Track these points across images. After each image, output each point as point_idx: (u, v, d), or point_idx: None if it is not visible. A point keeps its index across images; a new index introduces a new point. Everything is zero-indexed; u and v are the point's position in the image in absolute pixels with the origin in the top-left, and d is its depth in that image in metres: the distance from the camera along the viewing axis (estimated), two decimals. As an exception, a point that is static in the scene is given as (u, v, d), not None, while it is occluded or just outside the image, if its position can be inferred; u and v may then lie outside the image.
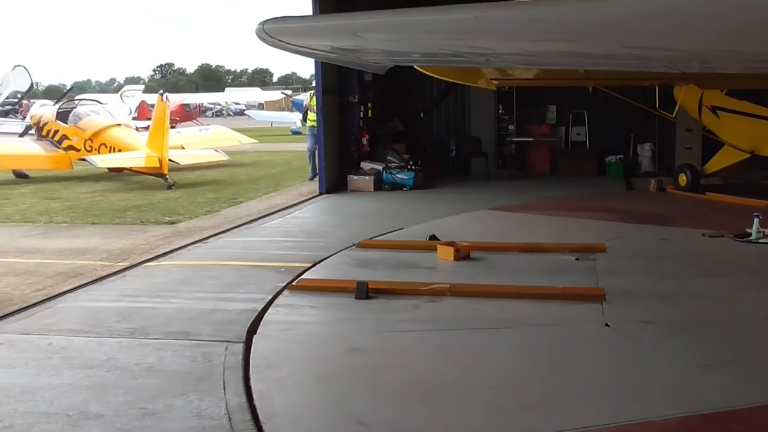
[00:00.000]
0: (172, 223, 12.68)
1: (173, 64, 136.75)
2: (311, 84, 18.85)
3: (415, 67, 10.44)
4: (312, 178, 17.63)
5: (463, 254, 8.89)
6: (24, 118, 32.38)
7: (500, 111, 18.12)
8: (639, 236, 10.29)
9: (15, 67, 40.28)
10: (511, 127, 17.95)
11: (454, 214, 12.06)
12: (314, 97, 17.39)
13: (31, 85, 42.43)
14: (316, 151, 17.05)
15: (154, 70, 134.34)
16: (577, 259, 8.80)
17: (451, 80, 12.94)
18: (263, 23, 5.08)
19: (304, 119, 19.42)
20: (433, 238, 9.68)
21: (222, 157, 19.76)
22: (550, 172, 17.31)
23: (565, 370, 5.58)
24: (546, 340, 6.24)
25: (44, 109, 23.15)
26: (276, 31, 5.20)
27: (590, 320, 6.62)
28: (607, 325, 6.47)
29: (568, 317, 6.75)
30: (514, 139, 17.74)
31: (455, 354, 6.02)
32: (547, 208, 12.60)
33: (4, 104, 39.82)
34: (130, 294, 7.87)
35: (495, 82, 12.16)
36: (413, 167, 15.39)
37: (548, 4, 3.91)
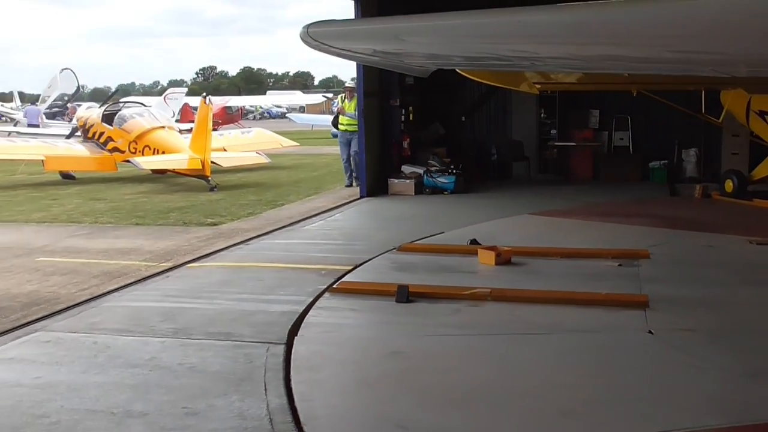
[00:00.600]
0: (215, 224, 12.81)
1: (215, 68, 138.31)
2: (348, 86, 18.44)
3: (457, 70, 10.40)
4: (348, 186, 17.19)
5: (504, 259, 8.85)
6: (71, 120, 32.93)
7: (542, 115, 18.01)
8: (683, 243, 10.14)
9: (62, 70, 41.07)
10: (554, 131, 17.82)
11: (495, 219, 11.99)
12: (346, 101, 17.23)
13: (78, 87, 43.24)
14: (351, 158, 16.99)
15: (196, 73, 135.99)
16: (619, 265, 8.70)
17: (493, 84, 12.86)
18: (307, 27, 5.10)
19: (335, 124, 18.33)
20: (474, 242, 9.64)
21: (263, 160, 19.89)
22: (592, 177, 17.12)
23: (606, 377, 5.53)
24: (587, 347, 6.18)
25: (90, 112, 23.54)
26: (320, 35, 5.22)
27: (633, 327, 6.54)
28: (650, 332, 6.38)
29: (611, 324, 6.69)
30: (557, 143, 17.61)
31: (496, 359, 5.99)
32: (590, 213, 12.48)
33: (51, 107, 40.60)
34: (173, 294, 7.96)
35: (537, 86, 12.07)
36: (454, 171, 15.33)
37: (593, 7, 3.88)
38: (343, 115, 17.33)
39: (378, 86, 15.63)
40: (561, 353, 6.04)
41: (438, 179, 15.25)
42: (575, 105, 17.48)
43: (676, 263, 8.93)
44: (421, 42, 5.46)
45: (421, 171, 15.45)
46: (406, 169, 15.69)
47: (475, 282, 7.97)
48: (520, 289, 7.74)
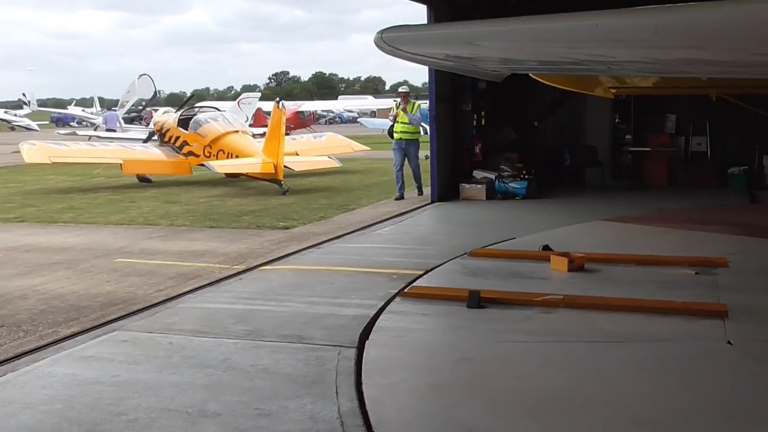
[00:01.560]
0: (287, 228, 12.94)
1: (288, 73, 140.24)
2: (424, 92, 17.98)
3: (530, 74, 10.32)
4: (399, 198, 16.07)
5: (577, 265, 8.72)
6: (147, 124, 33.71)
7: (616, 120, 17.70)
8: (764, 251, 9.81)
9: (140, 75, 42.12)
10: (628, 136, 17.49)
11: (567, 225, 11.84)
12: (399, 106, 16.41)
13: (155, 93, 44.25)
14: (412, 170, 16.36)
15: (269, 78, 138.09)
16: (696, 273, 8.50)
17: (566, 88, 12.71)
18: (382, 32, 5.13)
19: (391, 133, 16.99)
20: (546, 248, 9.53)
21: (335, 164, 20.00)
22: (668, 183, 16.75)
23: (683, 387, 5.39)
24: (663, 356, 6.05)
25: (167, 116, 24.03)
26: (394, 40, 5.25)
27: (711, 337, 6.38)
28: (729, 342, 6.22)
29: (688, 333, 6.53)
30: (631, 148, 17.29)
31: (568, 367, 5.91)
32: (665, 220, 12.21)
33: (129, 111, 41.65)
34: (246, 297, 8.07)
35: (613, 90, 11.88)
36: (526, 176, 15.19)
37: (673, 10, 3.80)
38: (398, 123, 16.42)
39: (450, 91, 15.58)
40: (636, 362, 5.92)
41: (510, 184, 15.13)
42: (651, 110, 17.12)
43: (756, 272, 8.66)
44: (495, 47, 5.44)
45: (492, 176, 15.35)
46: (478, 174, 15.61)
47: (548, 288, 7.88)
48: (594, 296, 7.63)
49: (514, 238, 10.76)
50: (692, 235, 10.88)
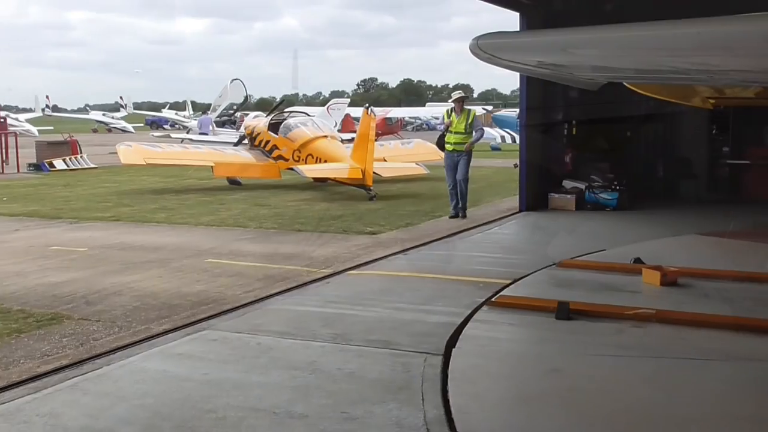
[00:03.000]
0: (374, 233, 12.99)
1: (376, 79, 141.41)
2: (512, 100, 17.76)
3: (624, 83, 10.09)
4: (453, 216, 14.58)
5: (670, 279, 8.48)
6: (238, 128, 34.34)
7: (713, 131, 17.17)
8: None
9: (233, 80, 42.91)
10: (726, 148, 16.96)
11: (660, 238, 11.52)
12: (453, 114, 14.53)
13: (246, 97, 45.01)
14: (458, 184, 14.52)
15: (357, 85, 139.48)
16: (798, 291, 8.18)
17: (661, 98, 12.36)
18: (478, 39, 5.07)
19: (441, 144, 15.00)
20: (637, 261, 9.30)
21: (423, 171, 19.99)
22: (768, 198, 16.14)
23: (784, 410, 5.19)
24: (763, 377, 5.83)
25: (257, 121, 24.47)
26: (490, 47, 5.19)
27: (814, 359, 6.12)
28: (833, 365, 5.96)
29: (789, 354, 6.28)
30: (729, 161, 16.74)
31: (660, 383, 5.74)
32: (765, 235, 11.76)
33: (221, 115, 42.49)
34: (333, 300, 8.12)
35: (711, 101, 11.50)
36: (617, 187, 14.89)
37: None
38: (451, 133, 14.57)
39: (541, 99, 15.40)
40: (734, 382, 5.72)
41: (600, 195, 14.85)
42: (750, 121, 16.53)
43: None
44: (591, 55, 5.33)
45: (582, 186, 15.09)
46: (567, 183, 15.37)
47: (639, 302, 7.69)
48: (688, 311, 7.38)
49: (604, 249, 10.54)
50: (794, 252, 10.45)
